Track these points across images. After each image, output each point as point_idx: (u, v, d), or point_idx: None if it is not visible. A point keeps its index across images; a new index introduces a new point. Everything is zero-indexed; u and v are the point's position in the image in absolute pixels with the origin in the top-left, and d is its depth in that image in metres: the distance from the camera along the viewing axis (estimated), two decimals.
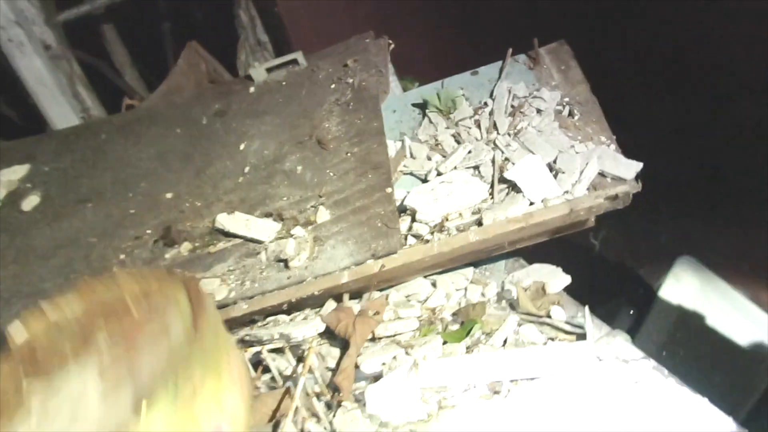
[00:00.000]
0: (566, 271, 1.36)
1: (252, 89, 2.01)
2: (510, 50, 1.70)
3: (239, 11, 2.45)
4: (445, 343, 1.23)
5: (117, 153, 1.95)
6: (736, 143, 2.29)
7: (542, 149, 1.42)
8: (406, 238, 1.35)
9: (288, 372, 1.24)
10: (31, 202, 1.89)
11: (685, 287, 2.56)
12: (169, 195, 1.74)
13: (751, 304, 2.37)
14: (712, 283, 2.45)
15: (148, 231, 1.65)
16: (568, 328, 1.17)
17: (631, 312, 2.90)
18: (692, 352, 2.47)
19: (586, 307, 1.18)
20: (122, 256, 1.61)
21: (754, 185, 2.28)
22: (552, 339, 1.16)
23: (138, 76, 2.96)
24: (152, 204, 1.74)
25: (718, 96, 2.24)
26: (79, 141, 2.05)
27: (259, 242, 1.46)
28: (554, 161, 1.39)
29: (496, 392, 1.12)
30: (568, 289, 1.32)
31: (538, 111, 1.52)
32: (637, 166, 1.34)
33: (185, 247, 1.55)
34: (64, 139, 2.10)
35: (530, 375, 1.11)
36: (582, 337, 1.15)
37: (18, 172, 2.01)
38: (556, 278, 1.32)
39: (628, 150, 1.39)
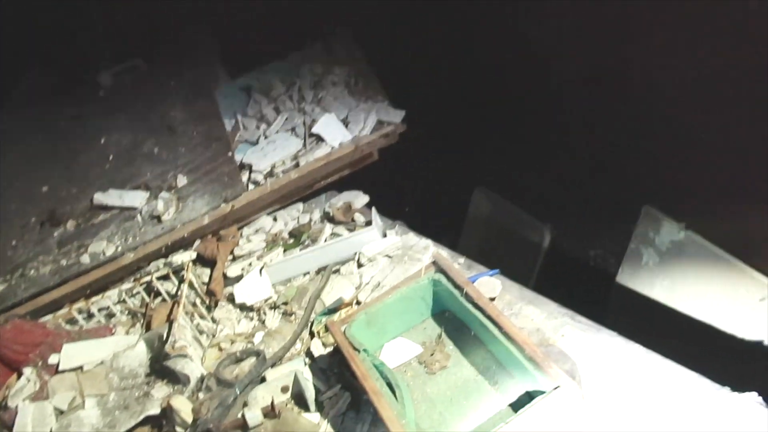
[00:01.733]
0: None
1: (102, 93, 2.36)
2: (308, 39, 2.23)
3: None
4: (285, 251, 1.74)
5: None
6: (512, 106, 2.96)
7: (337, 110, 1.97)
8: (247, 186, 1.84)
9: (174, 291, 1.69)
10: None
11: (482, 209, 3.29)
12: (44, 188, 2.07)
13: (527, 215, 3.11)
14: (500, 204, 3.19)
15: (33, 219, 1.98)
16: (364, 224, 1.74)
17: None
18: (496, 252, 3.20)
19: (373, 208, 1.75)
20: (14, 242, 1.93)
21: (529, 135, 2.98)
22: (351, 230, 1.72)
23: None
24: (30, 198, 2.06)
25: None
26: None
27: (134, 208, 1.88)
28: (347, 117, 1.95)
29: (321, 272, 1.66)
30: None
31: (333, 83, 2.07)
32: (401, 113, 1.94)
33: (70, 224, 1.92)
34: None
35: (342, 257, 1.66)
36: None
37: None
38: (358, 198, 1.89)
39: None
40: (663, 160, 2.05)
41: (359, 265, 1.63)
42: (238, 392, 1.36)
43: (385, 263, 1.60)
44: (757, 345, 1.79)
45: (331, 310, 1.50)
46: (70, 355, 1.54)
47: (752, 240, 1.88)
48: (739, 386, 1.18)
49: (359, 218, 1.79)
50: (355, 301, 1.52)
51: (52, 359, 1.54)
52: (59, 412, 1.46)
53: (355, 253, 1.65)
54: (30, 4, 2.64)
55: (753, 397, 1.06)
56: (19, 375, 1.55)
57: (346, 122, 1.93)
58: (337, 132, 1.88)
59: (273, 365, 1.42)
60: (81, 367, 1.52)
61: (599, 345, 1.24)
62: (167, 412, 1.36)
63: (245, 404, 1.33)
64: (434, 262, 1.31)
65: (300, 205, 1.95)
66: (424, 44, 3.02)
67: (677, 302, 2.07)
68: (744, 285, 1.91)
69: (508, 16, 2.36)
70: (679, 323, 2.06)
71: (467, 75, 2.87)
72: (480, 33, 2.61)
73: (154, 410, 1.39)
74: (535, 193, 3.02)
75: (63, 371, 1.52)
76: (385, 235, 1.70)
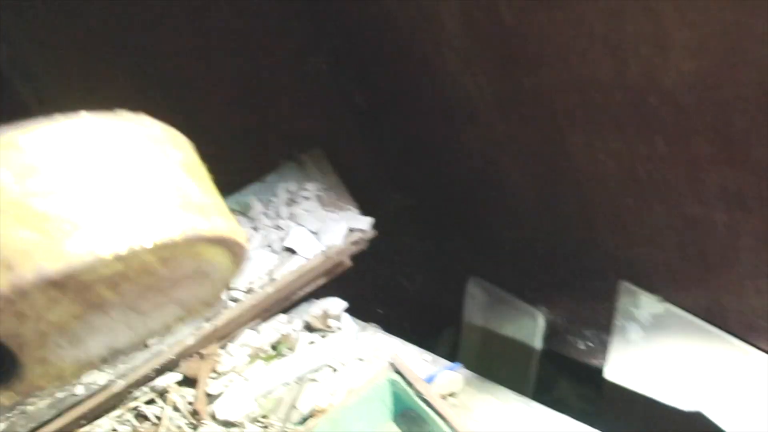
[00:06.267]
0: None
1: None
2: (285, 161, 2.42)
3: None
4: (265, 363, 1.82)
5: None
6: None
7: (310, 223, 2.11)
8: (227, 303, 1.95)
9: (162, 414, 1.76)
10: None
11: (477, 302, 3.34)
12: None
13: (524, 303, 3.14)
14: (495, 293, 3.23)
15: None
16: (337, 328, 1.82)
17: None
18: (497, 340, 3.21)
19: (345, 313, 1.84)
20: None
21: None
22: (323, 336, 1.80)
23: None
24: None
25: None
26: None
27: None
28: (319, 229, 2.08)
29: (300, 382, 1.72)
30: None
31: (306, 198, 2.23)
32: (370, 220, 2.07)
33: None
34: None
35: (318, 364, 1.73)
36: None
37: None
38: (335, 304, 1.97)
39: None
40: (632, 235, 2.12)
41: (333, 371, 1.69)
42: None
43: (358, 367, 1.66)
44: None
45: (305, 419, 1.55)
46: None
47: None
48: None
49: (335, 324, 1.87)
50: (329, 407, 1.57)
51: None
52: None
53: (330, 359, 1.72)
54: None
55: None
56: None
57: (318, 233, 2.05)
58: (309, 244, 2.00)
59: None
60: None
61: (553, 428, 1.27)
62: None
63: None
64: (391, 363, 1.38)
65: (283, 317, 2.04)
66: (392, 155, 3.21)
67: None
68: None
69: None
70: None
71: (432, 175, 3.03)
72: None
73: None
74: (524, 278, 3.07)
75: None
76: (358, 339, 1.77)
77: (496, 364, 3.18)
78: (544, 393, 3.09)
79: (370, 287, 3.42)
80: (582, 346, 2.80)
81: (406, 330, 2.61)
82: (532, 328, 3.00)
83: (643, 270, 2.11)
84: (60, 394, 1.90)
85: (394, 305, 3.54)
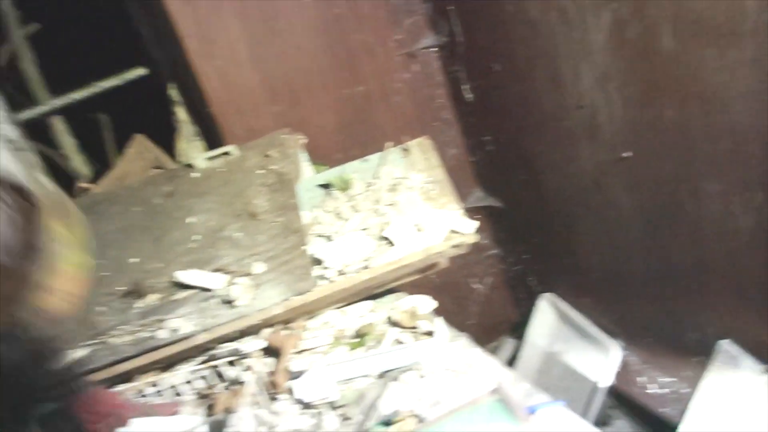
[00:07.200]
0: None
1: (195, 174, 2.55)
2: (390, 143, 2.36)
3: (177, 111, 3.00)
4: (350, 350, 1.79)
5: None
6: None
7: (412, 215, 2.05)
8: (318, 281, 1.92)
9: (240, 378, 1.75)
10: None
11: (547, 319, 3.23)
12: (133, 260, 2.23)
13: (599, 332, 3.01)
14: (568, 315, 3.11)
15: (119, 288, 2.13)
16: (428, 332, 1.77)
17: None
18: (559, 365, 3.11)
19: (441, 319, 1.78)
20: (101, 308, 2.07)
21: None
22: (416, 338, 1.75)
23: (84, 163, 3.41)
24: (120, 267, 2.21)
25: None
26: None
27: (211, 290, 1.98)
28: (419, 223, 2.02)
29: (382, 377, 1.68)
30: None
31: (409, 188, 2.16)
32: (475, 224, 1.99)
33: (153, 297, 2.04)
34: None
35: (404, 364, 1.69)
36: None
37: None
38: (425, 303, 1.92)
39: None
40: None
41: (420, 376, 1.65)
42: None
43: (447, 378, 1.62)
44: None
45: (387, 422, 1.51)
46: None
47: None
48: None
49: (424, 325, 1.82)
50: (411, 414, 1.53)
51: None
52: None
53: (418, 363, 1.67)
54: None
55: None
56: None
57: (419, 228, 1.99)
58: (408, 238, 1.94)
59: None
60: None
61: None
62: None
63: None
64: (496, 390, 1.32)
65: (369, 304, 2.00)
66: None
67: None
68: None
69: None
70: None
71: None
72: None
73: None
74: (605, 307, 2.95)
75: None
76: (449, 348, 1.72)
77: (554, 388, 3.08)
78: (597, 426, 2.99)
79: (437, 278, 3.36)
80: (652, 391, 2.68)
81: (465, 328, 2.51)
82: (602, 360, 2.89)
83: (753, 337, 1.98)
84: (143, 334, 1.92)
85: (457, 301, 3.49)
